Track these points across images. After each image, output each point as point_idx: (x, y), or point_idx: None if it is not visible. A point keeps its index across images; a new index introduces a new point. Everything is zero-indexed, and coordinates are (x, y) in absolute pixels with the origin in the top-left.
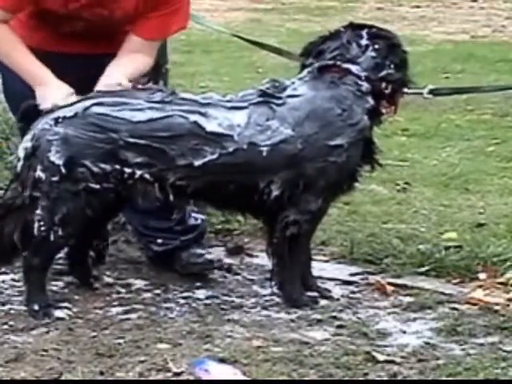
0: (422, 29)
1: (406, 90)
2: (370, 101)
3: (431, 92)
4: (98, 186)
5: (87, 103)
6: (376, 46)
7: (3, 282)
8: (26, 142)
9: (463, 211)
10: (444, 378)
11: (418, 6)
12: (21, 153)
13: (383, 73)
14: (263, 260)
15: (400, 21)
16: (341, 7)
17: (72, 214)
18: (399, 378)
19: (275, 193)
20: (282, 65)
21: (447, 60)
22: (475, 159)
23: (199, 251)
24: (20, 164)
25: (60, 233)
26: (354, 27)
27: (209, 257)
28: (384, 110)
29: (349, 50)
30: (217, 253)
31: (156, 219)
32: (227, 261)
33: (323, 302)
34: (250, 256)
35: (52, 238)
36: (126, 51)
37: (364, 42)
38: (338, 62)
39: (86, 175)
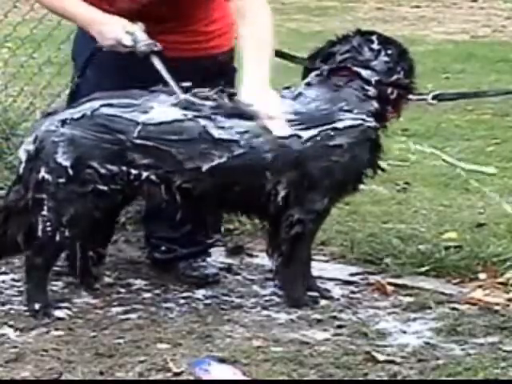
0: (422, 29)
1: (410, 95)
2: (375, 104)
3: (435, 97)
4: (105, 188)
5: (95, 104)
6: (388, 52)
7: (3, 282)
8: (28, 145)
9: (463, 211)
10: (444, 378)
11: (417, 6)
12: (22, 155)
13: (393, 78)
14: (263, 260)
15: (400, 21)
16: (341, 7)
17: (79, 216)
18: (399, 377)
19: (282, 193)
20: (283, 65)
21: (447, 60)
22: (475, 159)
23: (197, 264)
24: (22, 166)
25: (66, 234)
26: (362, 33)
27: (205, 271)
28: (389, 115)
29: (361, 53)
30: (217, 253)
31: (167, 228)
32: (227, 261)
33: (323, 302)
34: (250, 256)
35: (57, 238)
36: (244, 17)
37: (376, 46)
38: (349, 65)
39: (93, 176)
